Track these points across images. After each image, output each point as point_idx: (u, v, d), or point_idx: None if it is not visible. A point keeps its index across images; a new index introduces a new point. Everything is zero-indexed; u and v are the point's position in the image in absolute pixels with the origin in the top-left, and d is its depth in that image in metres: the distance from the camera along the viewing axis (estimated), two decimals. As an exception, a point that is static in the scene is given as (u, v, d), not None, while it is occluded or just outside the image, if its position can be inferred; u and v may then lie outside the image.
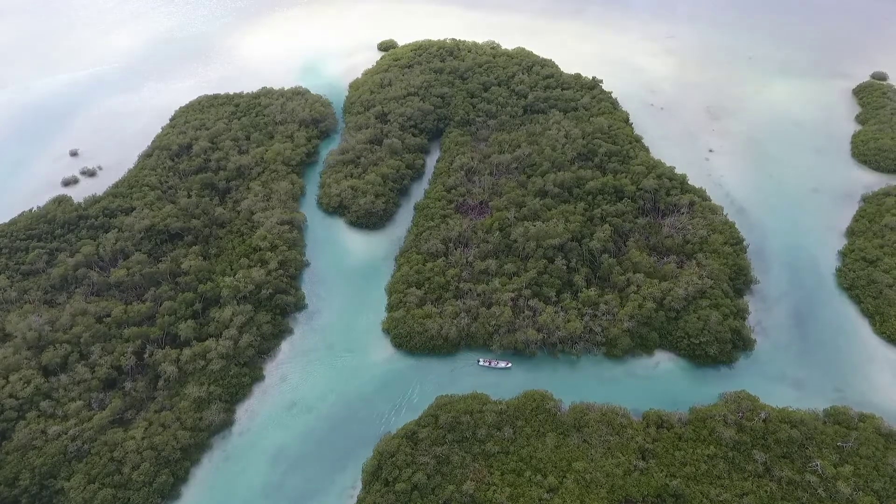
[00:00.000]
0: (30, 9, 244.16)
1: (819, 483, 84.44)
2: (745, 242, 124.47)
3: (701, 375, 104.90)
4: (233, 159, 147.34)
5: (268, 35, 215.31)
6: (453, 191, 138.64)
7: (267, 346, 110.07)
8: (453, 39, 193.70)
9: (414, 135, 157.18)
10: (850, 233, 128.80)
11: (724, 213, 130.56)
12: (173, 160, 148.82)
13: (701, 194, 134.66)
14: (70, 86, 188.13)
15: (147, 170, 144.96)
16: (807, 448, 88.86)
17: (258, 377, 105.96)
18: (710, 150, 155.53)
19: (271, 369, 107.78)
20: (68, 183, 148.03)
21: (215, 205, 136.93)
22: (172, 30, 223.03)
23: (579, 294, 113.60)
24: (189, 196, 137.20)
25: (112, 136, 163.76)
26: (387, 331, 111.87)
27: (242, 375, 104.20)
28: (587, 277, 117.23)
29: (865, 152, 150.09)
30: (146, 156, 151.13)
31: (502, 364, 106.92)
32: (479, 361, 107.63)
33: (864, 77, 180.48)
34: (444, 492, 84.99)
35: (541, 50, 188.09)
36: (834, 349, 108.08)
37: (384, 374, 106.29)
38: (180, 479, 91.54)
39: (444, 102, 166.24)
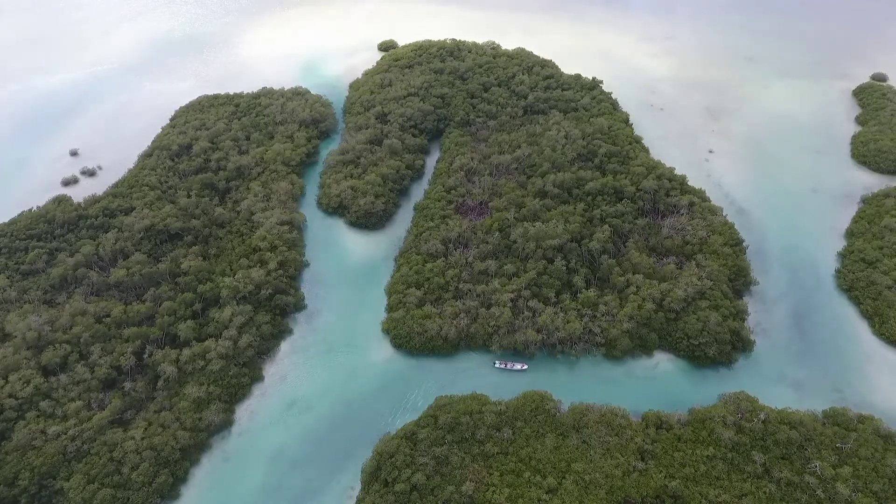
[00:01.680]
0: (30, 8, 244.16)
1: (818, 484, 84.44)
2: (744, 243, 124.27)
3: (700, 376, 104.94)
4: (233, 159, 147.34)
5: (268, 35, 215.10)
6: (453, 191, 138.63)
7: (266, 346, 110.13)
8: (453, 40, 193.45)
9: (414, 135, 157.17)
10: (850, 234, 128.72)
11: (724, 214, 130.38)
12: (173, 160, 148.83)
13: (700, 195, 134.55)
14: (70, 86, 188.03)
15: (147, 170, 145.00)
16: (806, 449, 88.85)
17: (258, 377, 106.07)
18: (710, 151, 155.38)
19: (271, 369, 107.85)
20: (68, 183, 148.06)
21: (215, 205, 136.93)
22: (172, 30, 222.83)
23: (579, 295, 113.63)
24: (189, 196, 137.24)
25: (112, 136, 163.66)
26: (386, 331, 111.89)
27: (242, 376, 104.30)
28: (587, 278, 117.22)
29: (865, 153, 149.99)
30: (146, 156, 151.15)
31: (518, 366, 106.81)
32: (495, 363, 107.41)
33: (864, 78, 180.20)
34: (443, 492, 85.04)
35: (541, 50, 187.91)
36: (833, 350, 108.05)
37: (383, 374, 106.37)
38: (180, 479, 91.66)
39: (444, 103, 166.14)
